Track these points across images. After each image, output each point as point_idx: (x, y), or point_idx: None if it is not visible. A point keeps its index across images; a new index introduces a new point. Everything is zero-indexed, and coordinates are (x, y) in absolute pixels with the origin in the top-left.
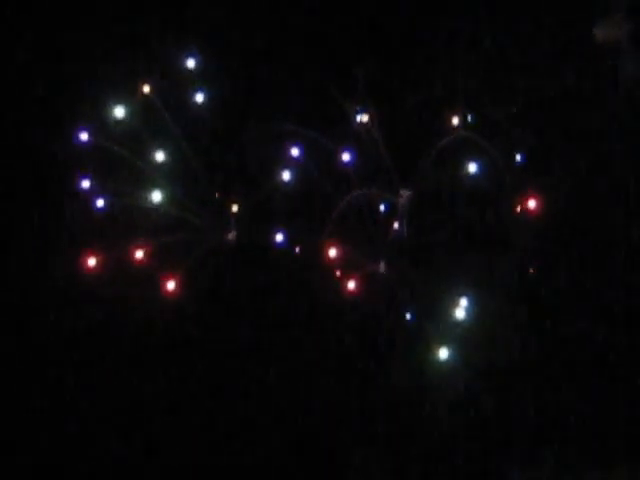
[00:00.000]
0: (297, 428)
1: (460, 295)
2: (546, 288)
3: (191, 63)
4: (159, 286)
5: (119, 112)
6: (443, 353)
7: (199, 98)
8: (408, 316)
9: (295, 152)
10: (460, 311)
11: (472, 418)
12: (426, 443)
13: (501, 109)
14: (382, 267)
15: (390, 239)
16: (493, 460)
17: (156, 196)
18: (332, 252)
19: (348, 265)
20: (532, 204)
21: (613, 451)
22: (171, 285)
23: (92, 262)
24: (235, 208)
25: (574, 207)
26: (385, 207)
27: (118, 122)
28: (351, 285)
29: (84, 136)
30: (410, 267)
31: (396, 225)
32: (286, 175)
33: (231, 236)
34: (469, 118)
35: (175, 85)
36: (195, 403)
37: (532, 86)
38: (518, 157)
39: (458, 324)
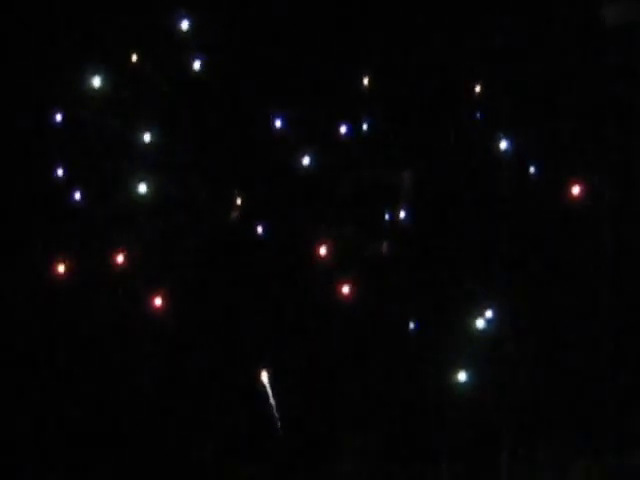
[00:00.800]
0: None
1: (484, 305)
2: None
3: (184, 26)
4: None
5: (98, 84)
6: (461, 376)
7: (195, 67)
8: (412, 325)
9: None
10: (481, 322)
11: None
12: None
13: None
14: (384, 248)
15: (394, 228)
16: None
17: (142, 188)
18: (322, 250)
19: (345, 260)
20: (576, 191)
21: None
22: (158, 302)
23: (62, 268)
24: (239, 200)
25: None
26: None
27: (98, 97)
28: (345, 289)
29: (59, 117)
30: (417, 263)
31: (402, 213)
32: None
33: (234, 215)
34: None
35: (166, 53)
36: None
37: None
38: (532, 169)
39: (479, 336)
